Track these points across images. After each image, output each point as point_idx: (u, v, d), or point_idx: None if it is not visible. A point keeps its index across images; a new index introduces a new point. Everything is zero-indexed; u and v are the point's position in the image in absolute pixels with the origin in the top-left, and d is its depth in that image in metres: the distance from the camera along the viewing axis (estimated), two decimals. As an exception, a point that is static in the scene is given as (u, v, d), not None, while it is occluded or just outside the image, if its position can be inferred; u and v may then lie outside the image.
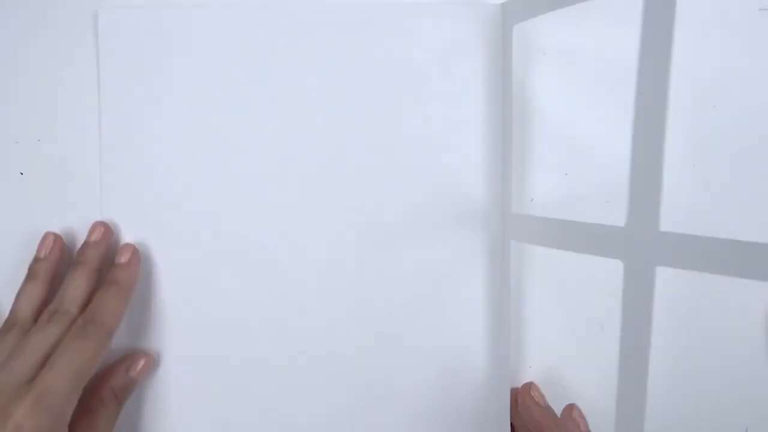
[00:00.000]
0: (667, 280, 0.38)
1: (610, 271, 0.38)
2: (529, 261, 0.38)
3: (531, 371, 0.38)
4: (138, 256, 0.37)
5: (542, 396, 0.38)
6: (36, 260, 0.37)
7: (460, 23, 0.37)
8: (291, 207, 0.38)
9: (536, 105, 0.38)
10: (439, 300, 0.38)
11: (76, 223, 0.38)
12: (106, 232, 0.37)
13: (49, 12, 0.38)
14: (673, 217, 0.39)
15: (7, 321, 0.35)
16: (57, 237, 0.37)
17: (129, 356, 0.37)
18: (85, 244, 0.37)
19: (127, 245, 0.37)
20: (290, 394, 0.38)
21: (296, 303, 0.38)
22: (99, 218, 0.38)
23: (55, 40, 0.37)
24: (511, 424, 0.38)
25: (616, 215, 0.38)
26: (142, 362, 0.37)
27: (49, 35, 0.37)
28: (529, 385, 0.38)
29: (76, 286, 0.35)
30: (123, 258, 0.37)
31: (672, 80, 0.38)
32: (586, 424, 0.36)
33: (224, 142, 0.38)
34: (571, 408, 0.36)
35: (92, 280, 0.36)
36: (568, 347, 0.38)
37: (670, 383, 0.38)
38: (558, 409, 0.36)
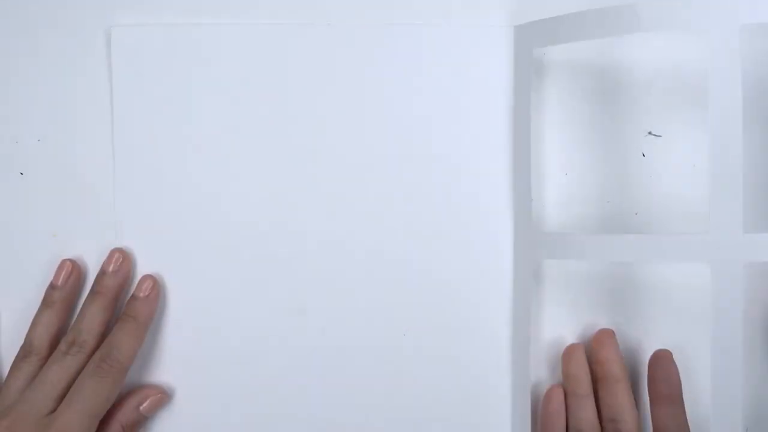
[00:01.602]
0: (668, 278, 0.38)
1: (618, 276, 0.38)
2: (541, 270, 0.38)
3: (542, 377, 0.38)
4: (158, 290, 0.37)
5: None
6: (52, 287, 0.36)
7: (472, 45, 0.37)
8: (311, 234, 0.37)
9: (536, 104, 0.38)
10: (461, 315, 0.38)
11: (76, 224, 0.38)
12: (124, 261, 0.37)
13: (49, 12, 0.38)
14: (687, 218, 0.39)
15: (23, 348, 0.36)
16: (74, 264, 0.37)
17: (140, 391, 0.37)
18: (103, 273, 0.36)
19: (148, 277, 0.37)
20: (309, 422, 0.37)
21: (314, 334, 0.37)
22: (113, 239, 0.37)
23: (56, 40, 0.37)
24: None
25: (616, 215, 0.38)
26: (152, 398, 0.36)
27: (49, 35, 0.37)
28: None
29: (93, 317, 0.35)
30: (143, 291, 0.36)
31: (670, 81, 0.38)
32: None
33: (242, 162, 0.37)
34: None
35: (109, 310, 0.36)
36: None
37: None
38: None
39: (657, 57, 0.38)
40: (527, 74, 0.36)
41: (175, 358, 0.38)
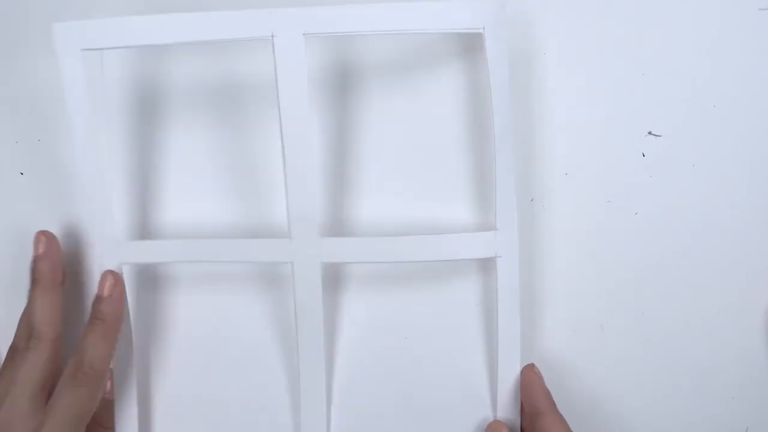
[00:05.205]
0: (664, 276, 0.38)
1: (610, 272, 0.38)
2: (530, 263, 0.38)
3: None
4: (122, 286, 0.35)
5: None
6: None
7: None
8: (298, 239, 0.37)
9: (536, 104, 0.38)
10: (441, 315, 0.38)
11: (75, 224, 0.38)
12: (50, 241, 0.35)
13: (48, 12, 0.38)
14: (672, 213, 0.39)
15: (11, 348, 0.34)
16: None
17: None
18: (33, 259, 0.35)
19: (108, 273, 0.34)
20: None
21: (309, 340, 0.36)
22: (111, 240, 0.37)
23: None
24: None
25: (616, 215, 0.38)
26: (108, 382, 0.35)
27: (49, 35, 0.37)
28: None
29: (41, 307, 0.34)
30: (105, 291, 0.34)
31: (670, 80, 0.38)
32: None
33: (242, 162, 0.37)
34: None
35: (55, 294, 0.35)
36: (568, 347, 0.38)
37: (670, 383, 0.38)
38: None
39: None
40: None
41: (176, 362, 0.38)
